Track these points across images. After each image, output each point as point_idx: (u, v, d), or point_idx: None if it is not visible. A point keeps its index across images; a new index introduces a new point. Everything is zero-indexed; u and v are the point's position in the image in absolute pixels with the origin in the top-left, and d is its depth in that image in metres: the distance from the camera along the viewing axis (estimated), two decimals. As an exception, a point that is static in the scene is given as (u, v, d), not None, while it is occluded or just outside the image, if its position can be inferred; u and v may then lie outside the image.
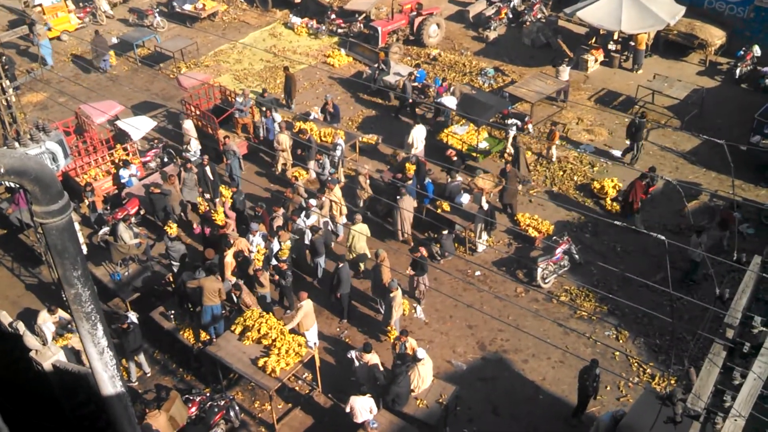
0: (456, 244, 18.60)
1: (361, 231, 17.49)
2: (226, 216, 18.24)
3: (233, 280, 16.54)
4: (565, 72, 24.14)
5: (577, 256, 17.71)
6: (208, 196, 19.40)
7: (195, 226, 18.38)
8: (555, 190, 20.59)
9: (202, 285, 15.31)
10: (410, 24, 28.64)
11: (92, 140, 20.84)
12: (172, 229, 18.18)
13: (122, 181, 20.04)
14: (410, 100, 23.72)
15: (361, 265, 17.96)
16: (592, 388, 13.89)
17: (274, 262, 16.90)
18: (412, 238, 18.89)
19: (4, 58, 21.78)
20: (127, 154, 20.56)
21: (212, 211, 18.73)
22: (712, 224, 18.04)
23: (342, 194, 18.95)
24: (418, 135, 20.86)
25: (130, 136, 21.09)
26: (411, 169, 19.01)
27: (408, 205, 18.13)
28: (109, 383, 6.03)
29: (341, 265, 16.24)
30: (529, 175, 20.63)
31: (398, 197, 18.16)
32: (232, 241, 17.09)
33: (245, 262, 16.79)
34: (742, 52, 24.99)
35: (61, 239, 5.23)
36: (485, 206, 18.09)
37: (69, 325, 15.60)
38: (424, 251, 17.75)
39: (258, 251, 16.69)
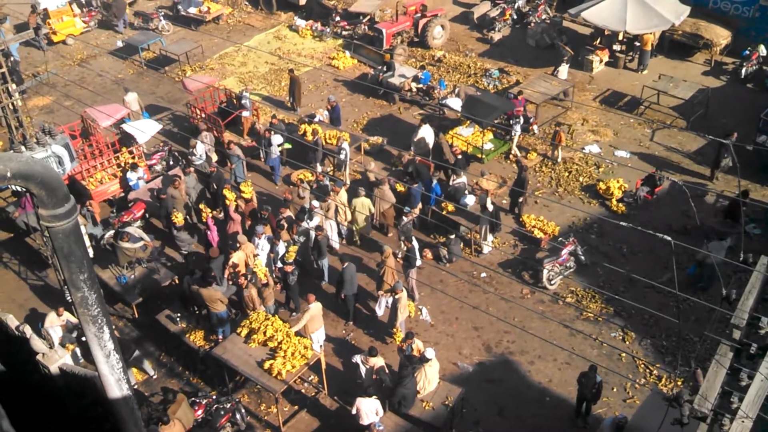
0: (461, 246, 18.58)
1: (363, 203, 18.17)
2: (231, 218, 18.24)
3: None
4: (564, 71, 24.14)
5: (582, 257, 17.67)
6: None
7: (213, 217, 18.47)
8: (560, 191, 20.57)
9: (201, 294, 15.40)
10: (415, 26, 28.64)
11: (98, 144, 20.89)
12: (179, 219, 18.20)
13: (130, 183, 20.10)
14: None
15: (356, 234, 18.86)
16: (591, 395, 13.86)
17: (279, 264, 16.93)
18: (416, 240, 18.87)
19: (10, 61, 21.93)
20: (133, 157, 20.60)
21: (242, 184, 19.27)
22: (734, 231, 17.75)
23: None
24: (425, 136, 20.87)
25: (135, 140, 21.13)
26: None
27: (386, 194, 18.38)
28: (116, 386, 6.05)
29: (346, 265, 16.27)
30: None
31: (377, 186, 18.53)
32: (238, 245, 17.11)
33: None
34: (747, 52, 24.91)
35: (67, 242, 5.24)
36: (490, 207, 18.07)
37: (75, 329, 15.64)
38: (429, 255, 17.78)
39: (257, 265, 16.71)
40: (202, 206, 18.70)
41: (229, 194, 18.73)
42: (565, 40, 27.36)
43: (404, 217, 17.27)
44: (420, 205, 18.91)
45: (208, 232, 18.05)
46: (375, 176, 19.48)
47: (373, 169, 19.76)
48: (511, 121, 21.60)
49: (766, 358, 8.42)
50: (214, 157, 21.48)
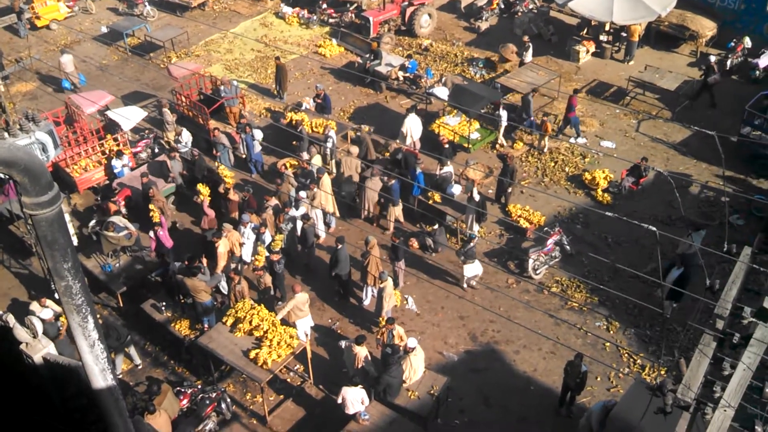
0: (447, 236, 18.61)
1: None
2: (206, 213, 18.12)
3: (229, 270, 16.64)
4: (528, 55, 24.60)
5: (568, 247, 17.75)
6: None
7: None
8: (546, 181, 20.62)
9: (186, 284, 15.32)
10: (402, 14, 28.54)
11: (82, 130, 20.70)
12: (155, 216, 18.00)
13: (115, 171, 19.96)
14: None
15: None
16: (575, 384, 13.95)
17: (266, 253, 16.88)
18: (401, 230, 18.89)
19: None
20: (118, 145, 20.43)
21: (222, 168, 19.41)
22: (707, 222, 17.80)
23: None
24: (412, 125, 20.84)
25: (120, 126, 20.96)
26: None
27: (375, 185, 18.41)
28: (100, 376, 6.01)
29: (340, 246, 16.26)
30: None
31: (367, 177, 18.50)
32: (225, 234, 17.03)
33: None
34: (732, 44, 25.03)
35: (50, 231, 5.19)
36: (476, 197, 18.09)
37: (59, 318, 15.52)
38: (415, 244, 17.79)
39: (260, 253, 16.66)
40: (151, 206, 17.97)
41: (203, 189, 18.50)
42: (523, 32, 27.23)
43: (470, 243, 16.88)
44: (400, 204, 18.85)
45: (152, 240, 17.52)
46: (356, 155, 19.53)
47: (354, 153, 19.71)
48: (497, 112, 21.59)
49: (749, 347, 8.49)
50: (170, 132, 21.55)
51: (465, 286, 17.26)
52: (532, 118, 21.86)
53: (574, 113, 21.75)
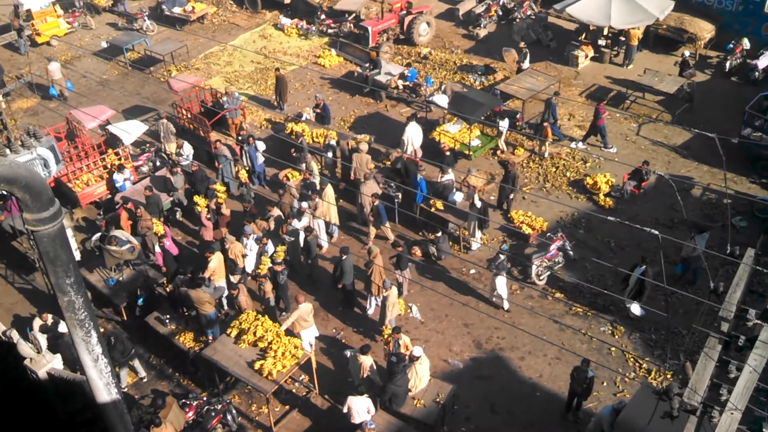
0: (450, 243, 18.60)
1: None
2: (204, 225, 18.14)
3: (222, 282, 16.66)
4: (526, 61, 24.80)
5: (571, 253, 17.71)
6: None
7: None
8: (548, 186, 20.61)
9: (190, 295, 15.33)
10: (400, 23, 28.61)
11: (84, 145, 20.76)
12: (158, 227, 18.08)
13: (117, 185, 20.01)
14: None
15: None
16: (582, 389, 13.90)
17: (269, 263, 16.90)
18: (404, 238, 18.88)
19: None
20: (119, 159, 20.48)
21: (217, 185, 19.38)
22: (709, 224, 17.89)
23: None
24: (412, 133, 20.86)
25: (121, 141, 21.01)
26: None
27: (369, 190, 18.38)
28: (105, 390, 6.00)
29: (344, 257, 16.28)
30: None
31: (362, 181, 18.47)
32: (227, 244, 17.05)
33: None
34: (731, 45, 25.07)
35: (52, 246, 5.19)
36: (478, 204, 18.09)
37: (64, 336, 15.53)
38: (418, 252, 17.77)
39: (263, 262, 16.68)
40: (155, 221, 18.20)
41: (201, 200, 18.52)
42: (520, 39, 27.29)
43: (500, 255, 16.60)
44: (388, 224, 18.81)
45: (159, 254, 17.73)
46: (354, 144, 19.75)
47: (365, 149, 19.79)
48: (497, 118, 21.61)
49: (754, 349, 8.47)
50: (172, 144, 21.66)
51: (495, 300, 17.14)
52: (557, 121, 21.87)
53: (602, 120, 21.53)
